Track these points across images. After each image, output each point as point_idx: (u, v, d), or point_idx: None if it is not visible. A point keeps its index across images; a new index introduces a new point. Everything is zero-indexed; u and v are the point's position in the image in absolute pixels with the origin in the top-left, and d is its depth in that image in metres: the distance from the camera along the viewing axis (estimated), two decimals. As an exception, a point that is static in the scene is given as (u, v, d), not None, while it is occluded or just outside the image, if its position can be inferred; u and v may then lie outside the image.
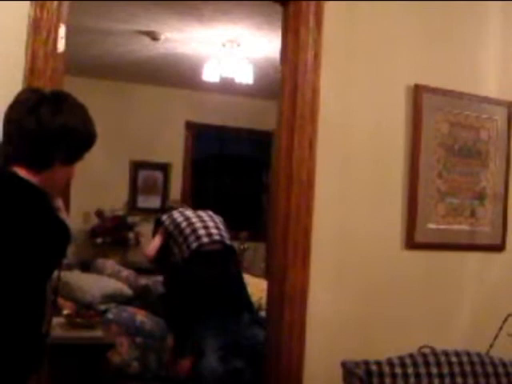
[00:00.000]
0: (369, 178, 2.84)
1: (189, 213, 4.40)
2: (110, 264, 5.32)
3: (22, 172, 1.63)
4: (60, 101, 1.67)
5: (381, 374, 2.32)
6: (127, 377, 4.03)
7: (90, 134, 1.71)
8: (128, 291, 4.49)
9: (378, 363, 2.35)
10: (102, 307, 4.15)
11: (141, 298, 4.57)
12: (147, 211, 7.11)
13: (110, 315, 4.10)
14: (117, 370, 3.96)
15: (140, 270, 5.21)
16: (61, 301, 3.81)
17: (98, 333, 3.58)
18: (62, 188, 1.78)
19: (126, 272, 5.02)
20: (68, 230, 1.66)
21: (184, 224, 4.28)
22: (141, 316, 4.22)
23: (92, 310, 3.94)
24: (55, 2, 2.22)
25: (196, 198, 7.52)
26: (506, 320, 2.81)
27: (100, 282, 4.48)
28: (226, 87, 6.20)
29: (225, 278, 4.17)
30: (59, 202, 1.81)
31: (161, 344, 4.17)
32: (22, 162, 1.63)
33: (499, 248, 3.13)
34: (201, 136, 7.58)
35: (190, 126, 7.46)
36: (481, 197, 3.07)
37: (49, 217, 1.63)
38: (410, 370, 2.35)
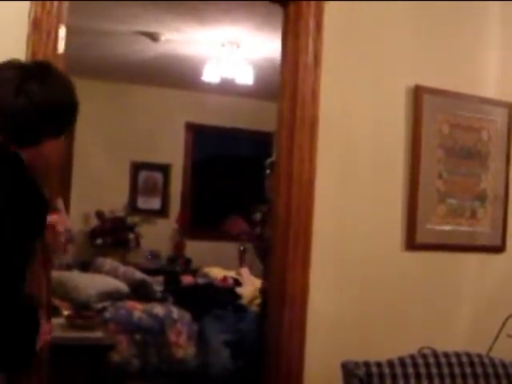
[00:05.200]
0: (369, 178, 2.84)
1: None
2: (109, 261, 5.31)
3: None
4: (45, 74, 1.64)
5: (381, 375, 2.31)
6: (128, 375, 4.01)
7: (76, 104, 1.69)
8: (124, 288, 4.45)
9: (379, 364, 2.34)
10: (99, 305, 4.12)
11: (138, 292, 4.54)
12: (147, 212, 7.11)
13: (107, 314, 4.08)
14: (117, 369, 3.95)
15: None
16: (57, 301, 3.80)
17: (99, 334, 3.58)
18: (56, 164, 1.73)
19: (123, 268, 5.00)
20: (45, 200, 1.59)
21: None
22: (138, 312, 4.20)
23: (88, 309, 3.92)
24: (55, 3, 2.22)
25: (196, 199, 7.53)
26: (506, 321, 2.81)
27: (96, 281, 4.43)
28: (226, 88, 6.20)
29: None
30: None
31: (160, 339, 4.16)
32: (8, 139, 1.58)
33: (499, 249, 3.13)
34: (201, 137, 7.57)
35: (190, 127, 7.45)
36: (481, 198, 3.06)
37: (25, 186, 1.56)
38: (411, 371, 2.35)
